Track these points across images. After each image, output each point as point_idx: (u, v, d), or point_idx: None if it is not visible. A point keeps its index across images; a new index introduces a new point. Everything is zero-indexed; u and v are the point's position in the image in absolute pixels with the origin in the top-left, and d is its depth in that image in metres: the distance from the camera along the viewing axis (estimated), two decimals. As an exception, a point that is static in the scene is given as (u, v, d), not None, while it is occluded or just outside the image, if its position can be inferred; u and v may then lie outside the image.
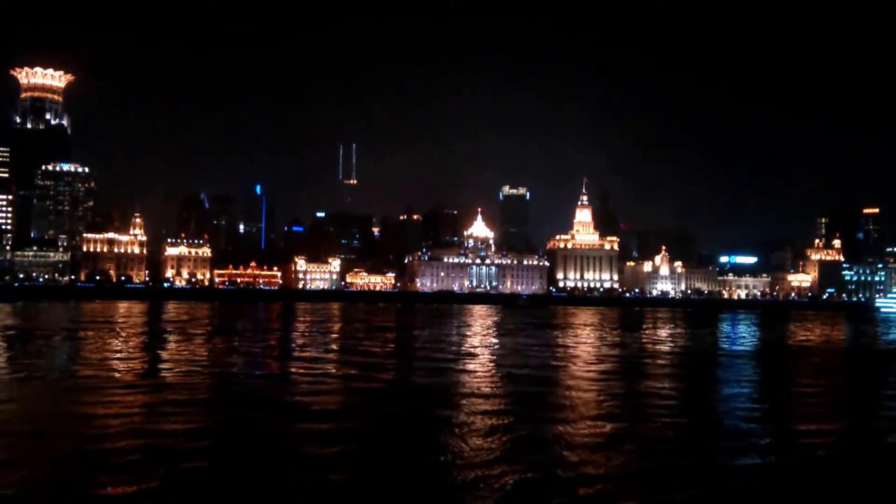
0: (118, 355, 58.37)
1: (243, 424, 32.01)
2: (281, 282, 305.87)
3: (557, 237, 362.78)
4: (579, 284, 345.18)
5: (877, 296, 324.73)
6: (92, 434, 28.83)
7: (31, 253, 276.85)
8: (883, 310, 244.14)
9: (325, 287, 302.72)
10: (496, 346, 76.51)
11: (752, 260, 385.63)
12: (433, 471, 24.80)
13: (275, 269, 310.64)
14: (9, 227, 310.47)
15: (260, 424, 31.93)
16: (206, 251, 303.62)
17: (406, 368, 54.65)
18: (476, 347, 73.92)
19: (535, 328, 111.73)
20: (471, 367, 55.17)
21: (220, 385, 44.35)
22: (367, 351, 67.49)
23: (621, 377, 50.78)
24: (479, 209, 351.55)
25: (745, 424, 34.51)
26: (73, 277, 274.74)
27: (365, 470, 24.87)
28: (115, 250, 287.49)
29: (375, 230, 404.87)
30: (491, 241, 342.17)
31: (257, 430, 30.74)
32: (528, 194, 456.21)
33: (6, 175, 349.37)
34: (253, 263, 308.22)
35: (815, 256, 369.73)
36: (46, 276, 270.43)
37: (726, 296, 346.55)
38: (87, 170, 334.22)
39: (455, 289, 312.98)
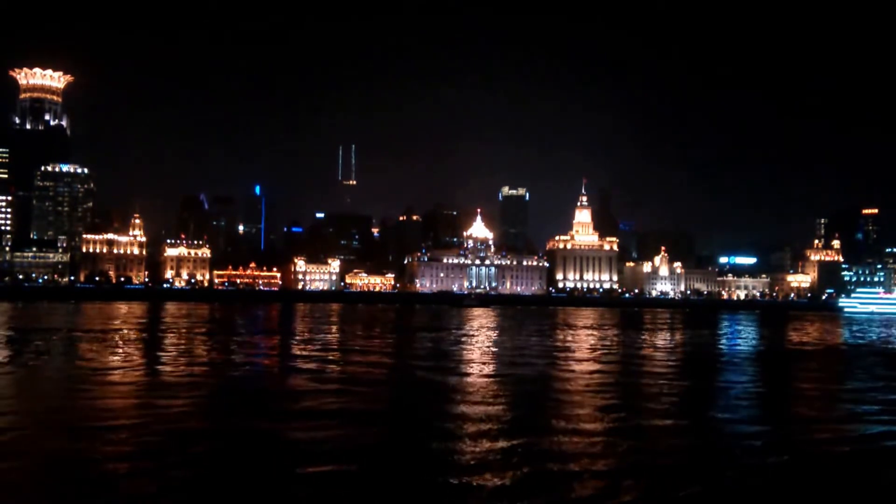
0: (118, 356, 58.30)
1: (242, 425, 32.00)
2: (280, 283, 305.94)
3: (557, 238, 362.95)
4: (579, 285, 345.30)
5: (831, 295, 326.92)
6: (90, 435, 28.82)
7: (30, 254, 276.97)
8: (846, 310, 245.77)
9: (325, 288, 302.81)
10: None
11: (751, 260, 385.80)
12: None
13: (274, 269, 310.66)
14: (8, 228, 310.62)
15: (259, 425, 31.90)
16: (205, 252, 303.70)
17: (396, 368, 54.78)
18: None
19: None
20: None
21: (217, 386, 44.35)
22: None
23: (619, 377, 50.78)
24: (479, 210, 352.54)
25: (744, 419, 34.57)
26: (72, 278, 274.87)
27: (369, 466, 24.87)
28: (115, 251, 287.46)
29: (375, 231, 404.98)
30: (490, 242, 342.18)
31: (257, 430, 30.73)
32: (527, 195, 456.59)
33: (5, 176, 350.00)
34: (252, 264, 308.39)
35: (814, 257, 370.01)
36: (46, 277, 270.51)
37: (725, 296, 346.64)
38: (86, 170, 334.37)
39: (455, 290, 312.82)
